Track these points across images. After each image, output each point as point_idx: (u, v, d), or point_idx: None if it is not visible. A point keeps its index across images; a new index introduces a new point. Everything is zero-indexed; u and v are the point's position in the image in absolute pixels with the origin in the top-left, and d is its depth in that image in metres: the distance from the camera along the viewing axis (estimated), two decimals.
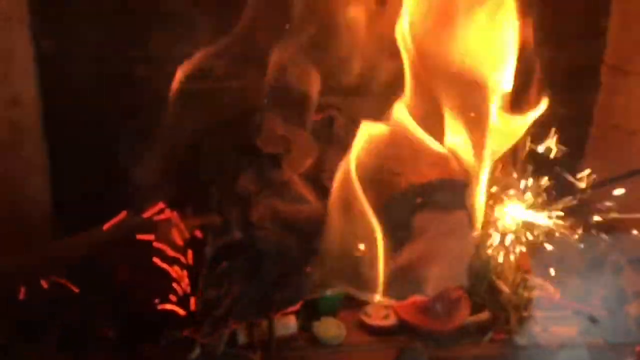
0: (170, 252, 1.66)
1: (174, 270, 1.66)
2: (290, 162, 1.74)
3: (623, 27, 2.19)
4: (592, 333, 1.82)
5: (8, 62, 1.99)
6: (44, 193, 2.07)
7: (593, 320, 1.82)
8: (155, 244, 1.67)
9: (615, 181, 1.88)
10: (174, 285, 1.64)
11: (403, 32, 1.74)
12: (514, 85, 1.79)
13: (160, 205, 1.76)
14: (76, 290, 1.64)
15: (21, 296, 1.64)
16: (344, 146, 1.73)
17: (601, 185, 1.87)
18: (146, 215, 1.76)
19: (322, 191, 1.71)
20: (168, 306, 1.63)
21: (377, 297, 1.71)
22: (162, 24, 2.00)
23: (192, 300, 1.64)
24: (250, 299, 1.65)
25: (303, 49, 1.80)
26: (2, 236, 1.91)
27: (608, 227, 1.91)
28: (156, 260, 1.65)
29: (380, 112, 1.78)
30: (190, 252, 1.68)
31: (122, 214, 1.76)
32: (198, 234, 1.70)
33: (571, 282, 1.89)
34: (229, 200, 1.71)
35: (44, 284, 1.65)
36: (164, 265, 1.66)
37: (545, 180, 1.87)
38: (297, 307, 1.73)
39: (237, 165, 1.75)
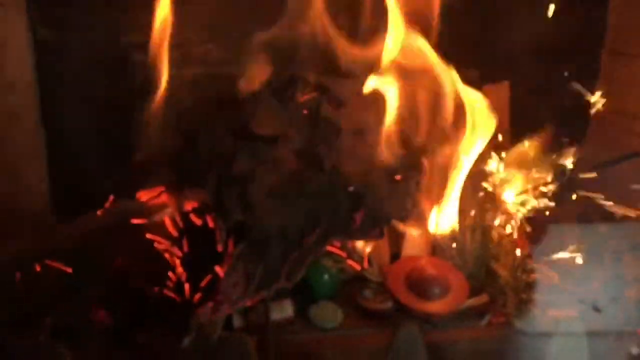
0: (163, 244, 1.66)
1: (171, 258, 1.65)
2: (285, 141, 1.73)
3: (623, 9, 2.18)
4: (591, 317, 1.80)
5: (4, 49, 1.98)
6: (41, 180, 2.07)
7: (597, 309, 1.81)
8: (149, 235, 1.66)
9: (612, 164, 1.86)
10: (170, 270, 1.64)
11: None
12: None
13: (157, 189, 1.75)
14: (70, 274, 1.64)
15: (17, 283, 1.64)
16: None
17: (597, 168, 1.86)
18: (142, 199, 1.75)
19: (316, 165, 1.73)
20: (168, 292, 1.63)
21: None
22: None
23: (187, 286, 1.63)
24: (261, 276, 1.64)
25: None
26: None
27: (607, 213, 1.89)
28: (155, 245, 1.65)
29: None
30: (185, 239, 1.67)
31: (112, 201, 1.77)
32: (194, 219, 1.69)
33: (571, 268, 1.87)
34: (226, 183, 1.70)
35: (39, 269, 1.64)
36: (162, 249, 1.65)
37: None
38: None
39: (233, 149, 1.74)
